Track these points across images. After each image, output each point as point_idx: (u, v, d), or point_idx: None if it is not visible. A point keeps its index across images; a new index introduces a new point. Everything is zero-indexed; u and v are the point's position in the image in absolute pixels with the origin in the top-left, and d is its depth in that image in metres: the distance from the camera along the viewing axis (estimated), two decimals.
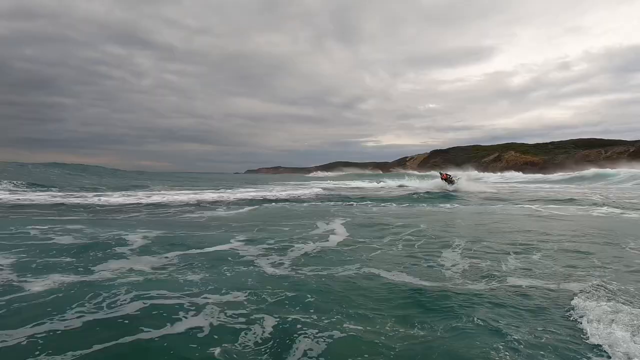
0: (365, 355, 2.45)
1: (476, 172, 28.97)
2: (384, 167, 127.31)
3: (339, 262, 4.90)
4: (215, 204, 13.07)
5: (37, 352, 2.40)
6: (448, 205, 13.17)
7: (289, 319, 2.95)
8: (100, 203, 12.02)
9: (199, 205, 12.57)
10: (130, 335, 2.64)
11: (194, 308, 3.15)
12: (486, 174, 54.47)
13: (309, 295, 3.52)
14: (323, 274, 4.30)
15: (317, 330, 2.77)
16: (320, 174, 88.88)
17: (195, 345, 2.54)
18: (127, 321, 2.88)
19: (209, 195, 15.47)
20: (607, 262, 4.90)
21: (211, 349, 2.50)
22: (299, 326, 2.83)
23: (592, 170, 39.53)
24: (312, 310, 3.17)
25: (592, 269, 4.54)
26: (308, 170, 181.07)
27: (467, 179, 22.15)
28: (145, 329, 2.74)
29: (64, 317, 2.92)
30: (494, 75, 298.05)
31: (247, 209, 11.70)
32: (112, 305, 3.16)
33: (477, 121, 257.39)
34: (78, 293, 3.44)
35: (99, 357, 2.39)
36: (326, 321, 2.95)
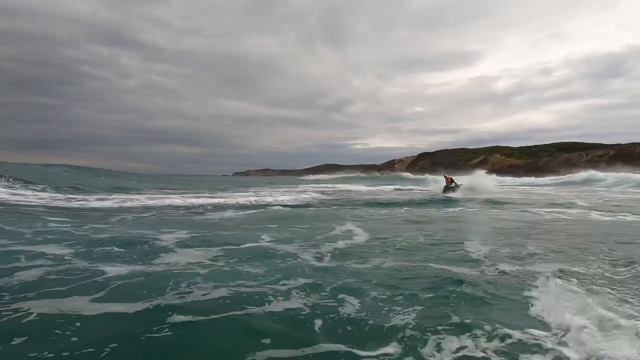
0: (428, 326, 2.63)
1: (483, 172, 26.10)
2: (373, 170, 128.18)
3: (372, 254, 5.12)
4: (218, 207, 12.84)
5: (168, 323, 2.50)
6: (459, 209, 12.79)
7: (363, 300, 3.22)
8: (93, 206, 11.68)
9: (205, 207, 12.34)
10: (238, 310, 2.90)
11: (278, 293, 3.37)
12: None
13: (364, 281, 3.77)
14: (365, 265, 4.51)
15: (389, 307, 2.99)
16: (312, 176, 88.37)
17: (298, 322, 2.80)
18: (228, 301, 3.11)
19: (208, 200, 15.19)
20: None
21: (312, 322, 2.78)
22: (379, 304, 3.17)
23: (580, 174, 40.42)
24: (374, 292, 3.40)
25: None
26: (297, 172, 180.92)
27: (467, 187, 19.71)
28: (249, 307, 2.97)
29: (164, 296, 3.17)
30: (479, 79, 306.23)
31: (253, 211, 11.52)
32: (202, 289, 3.37)
33: (463, 124, 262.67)
34: (159, 278, 3.64)
35: (227, 327, 2.66)
36: (397, 299, 3.20)
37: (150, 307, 2.91)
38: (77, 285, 3.41)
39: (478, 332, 2.60)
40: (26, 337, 2.39)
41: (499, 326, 2.67)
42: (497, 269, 4.32)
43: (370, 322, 2.79)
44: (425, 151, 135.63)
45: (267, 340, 2.46)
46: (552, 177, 46.71)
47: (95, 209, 10.70)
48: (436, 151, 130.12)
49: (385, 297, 3.33)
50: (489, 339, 2.50)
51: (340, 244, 5.91)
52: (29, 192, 14.13)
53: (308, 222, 8.99)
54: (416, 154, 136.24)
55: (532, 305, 3.11)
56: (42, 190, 15.98)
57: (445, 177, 20.60)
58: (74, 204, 11.59)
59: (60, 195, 14.09)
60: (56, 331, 2.48)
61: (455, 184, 19.86)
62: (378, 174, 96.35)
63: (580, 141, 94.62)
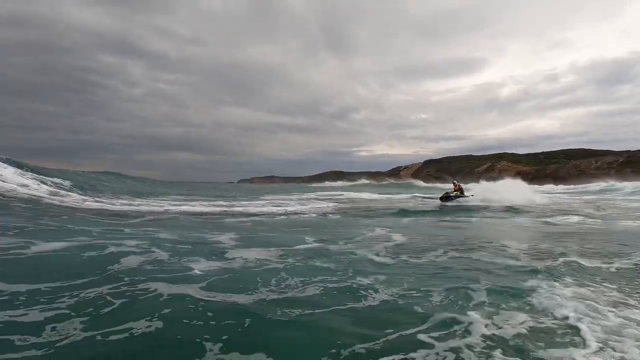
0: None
1: (517, 181, 23.74)
2: (379, 177, 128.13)
3: (423, 252, 5.32)
4: (245, 214, 13.05)
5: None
6: (499, 217, 12.08)
7: (440, 291, 3.38)
8: (139, 209, 11.94)
9: (232, 214, 12.56)
10: (338, 302, 3.05)
11: (363, 285, 3.57)
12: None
13: (431, 274, 3.99)
14: (423, 260, 4.74)
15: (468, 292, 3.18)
16: (321, 184, 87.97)
17: (399, 309, 3.01)
18: (335, 292, 3.34)
19: (232, 208, 15.40)
20: None
21: (412, 308, 2.96)
22: (466, 292, 3.31)
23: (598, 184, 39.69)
24: (449, 284, 3.58)
25: None
26: (302, 179, 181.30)
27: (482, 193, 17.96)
28: (350, 302, 3.13)
29: (271, 288, 3.42)
30: (484, 86, 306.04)
31: (280, 218, 11.70)
32: (291, 284, 3.59)
33: (468, 131, 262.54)
34: (245, 274, 3.87)
35: (334, 318, 2.81)
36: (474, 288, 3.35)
37: (256, 299, 3.11)
38: (177, 275, 3.64)
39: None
40: (157, 316, 2.61)
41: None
42: (566, 261, 4.49)
43: (455, 311, 2.97)
44: (431, 158, 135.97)
45: (373, 332, 2.65)
46: (570, 186, 46.06)
47: (143, 212, 10.90)
48: (442, 158, 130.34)
49: (463, 286, 3.53)
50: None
51: (386, 244, 6.11)
52: (88, 197, 14.48)
53: (344, 228, 9.12)
54: (422, 161, 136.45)
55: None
56: (98, 194, 16.35)
57: (454, 183, 19.17)
58: (124, 208, 11.82)
59: (104, 199, 14.39)
60: (184, 313, 2.70)
61: (461, 193, 18.10)
62: (389, 181, 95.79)
63: (587, 147, 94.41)
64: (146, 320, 2.57)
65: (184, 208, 13.03)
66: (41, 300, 2.88)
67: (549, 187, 50.51)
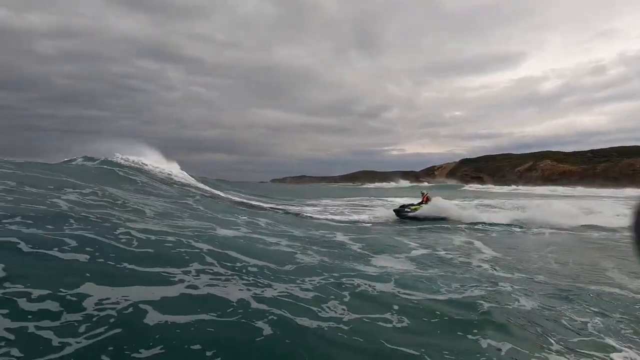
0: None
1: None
2: (412, 177, 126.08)
3: (522, 261, 6.12)
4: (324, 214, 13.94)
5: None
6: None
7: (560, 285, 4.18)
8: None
9: (312, 217, 13.47)
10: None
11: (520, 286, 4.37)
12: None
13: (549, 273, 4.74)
14: (527, 266, 5.56)
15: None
16: (366, 185, 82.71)
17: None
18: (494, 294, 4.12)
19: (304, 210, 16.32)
20: None
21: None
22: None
23: None
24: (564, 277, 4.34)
25: None
26: (333, 179, 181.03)
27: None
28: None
29: (440, 291, 4.12)
30: (523, 81, 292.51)
31: (363, 225, 12.45)
32: (464, 288, 4.40)
33: (504, 128, 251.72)
34: (418, 276, 4.52)
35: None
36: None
37: (456, 297, 4.02)
38: (365, 273, 4.54)
39: None
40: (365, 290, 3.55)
41: None
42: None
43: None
44: (466, 157, 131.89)
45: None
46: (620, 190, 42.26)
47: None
48: (478, 157, 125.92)
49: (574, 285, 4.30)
50: None
51: (489, 254, 6.96)
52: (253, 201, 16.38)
53: (432, 233, 9.87)
54: (457, 160, 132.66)
55: None
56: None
57: (422, 194, 15.48)
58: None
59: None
60: (396, 307, 3.59)
61: (416, 206, 14.41)
62: (425, 182, 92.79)
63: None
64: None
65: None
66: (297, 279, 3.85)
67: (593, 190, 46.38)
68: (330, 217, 13.81)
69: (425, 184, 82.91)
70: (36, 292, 2.74)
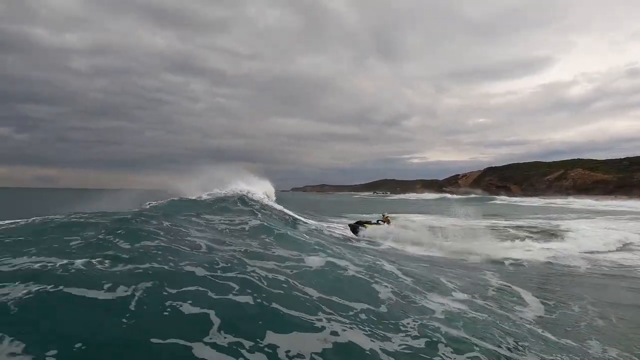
0: None
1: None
2: (436, 187, 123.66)
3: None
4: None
5: None
6: None
7: None
8: None
9: None
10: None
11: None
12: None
13: None
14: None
15: None
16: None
17: None
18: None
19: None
20: None
21: None
22: None
23: None
24: None
25: None
26: (353, 188, 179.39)
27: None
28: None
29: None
30: (551, 86, 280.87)
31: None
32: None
33: (531, 135, 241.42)
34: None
35: None
36: None
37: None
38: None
39: None
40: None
41: None
42: None
43: None
44: (492, 165, 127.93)
45: None
46: None
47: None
48: (504, 165, 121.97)
49: None
50: None
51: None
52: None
53: None
54: (481, 168, 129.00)
55: None
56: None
57: (383, 215, 14.79)
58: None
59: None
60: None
61: (373, 225, 13.69)
62: (448, 192, 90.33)
63: None
64: None
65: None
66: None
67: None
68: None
69: (448, 195, 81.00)
70: None
